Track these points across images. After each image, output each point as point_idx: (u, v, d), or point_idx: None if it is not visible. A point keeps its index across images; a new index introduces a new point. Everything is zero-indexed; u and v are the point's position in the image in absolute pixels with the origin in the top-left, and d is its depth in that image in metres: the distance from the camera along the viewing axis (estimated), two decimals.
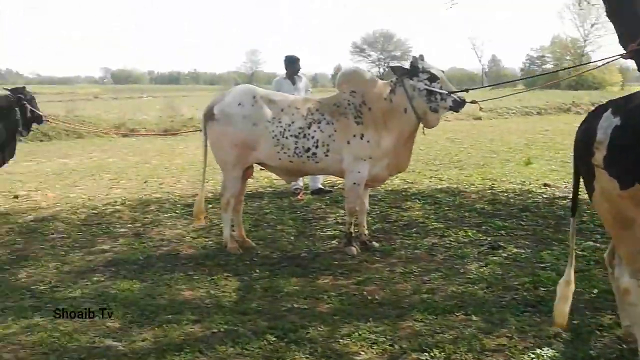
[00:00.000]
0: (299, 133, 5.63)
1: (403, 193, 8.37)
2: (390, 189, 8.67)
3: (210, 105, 5.91)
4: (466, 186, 8.79)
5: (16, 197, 8.81)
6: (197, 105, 31.59)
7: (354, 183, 5.66)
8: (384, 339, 3.82)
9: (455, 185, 8.84)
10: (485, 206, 7.38)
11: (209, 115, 5.83)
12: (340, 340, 3.83)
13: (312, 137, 5.62)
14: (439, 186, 8.82)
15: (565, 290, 3.48)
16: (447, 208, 7.37)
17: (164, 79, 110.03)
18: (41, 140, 16.97)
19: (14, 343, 3.91)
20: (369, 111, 5.61)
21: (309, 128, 5.64)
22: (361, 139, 5.57)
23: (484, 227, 6.43)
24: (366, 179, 5.68)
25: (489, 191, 8.35)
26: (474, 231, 6.27)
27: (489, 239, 6.02)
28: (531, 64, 68.05)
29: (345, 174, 5.69)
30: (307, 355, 3.65)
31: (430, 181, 9.31)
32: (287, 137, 5.63)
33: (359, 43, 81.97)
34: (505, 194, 8.11)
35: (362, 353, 3.67)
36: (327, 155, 5.63)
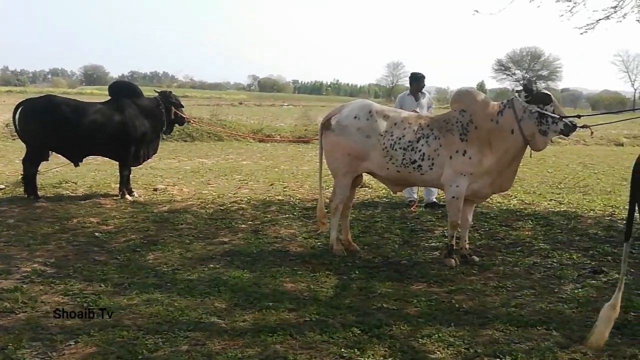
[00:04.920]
0: (408, 146, 5.91)
1: (517, 213, 8.39)
2: (505, 208, 8.72)
3: (328, 116, 6.33)
4: (585, 211, 8.65)
5: (155, 189, 9.73)
6: None
7: (453, 197, 5.85)
8: (461, 343, 4.04)
9: (573, 210, 8.72)
10: (599, 232, 7.27)
11: (326, 126, 6.25)
12: (420, 340, 4.09)
13: (419, 150, 5.88)
14: (556, 209, 8.73)
15: (609, 314, 3.63)
16: (558, 230, 7.35)
17: (307, 88, 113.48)
18: (185, 141, 18.32)
19: (135, 312, 4.52)
20: (475, 130, 5.78)
21: (417, 142, 5.90)
22: (463, 155, 5.76)
23: (591, 252, 6.39)
24: (466, 194, 5.86)
25: (608, 218, 8.17)
26: (580, 255, 6.27)
27: (593, 263, 6.01)
28: None
29: (445, 187, 5.91)
30: (386, 349, 3.94)
31: (548, 204, 9.20)
32: (396, 149, 5.94)
33: (504, 61, 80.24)
34: (624, 222, 7.89)
35: (437, 352, 3.91)
36: (431, 168, 5.87)
